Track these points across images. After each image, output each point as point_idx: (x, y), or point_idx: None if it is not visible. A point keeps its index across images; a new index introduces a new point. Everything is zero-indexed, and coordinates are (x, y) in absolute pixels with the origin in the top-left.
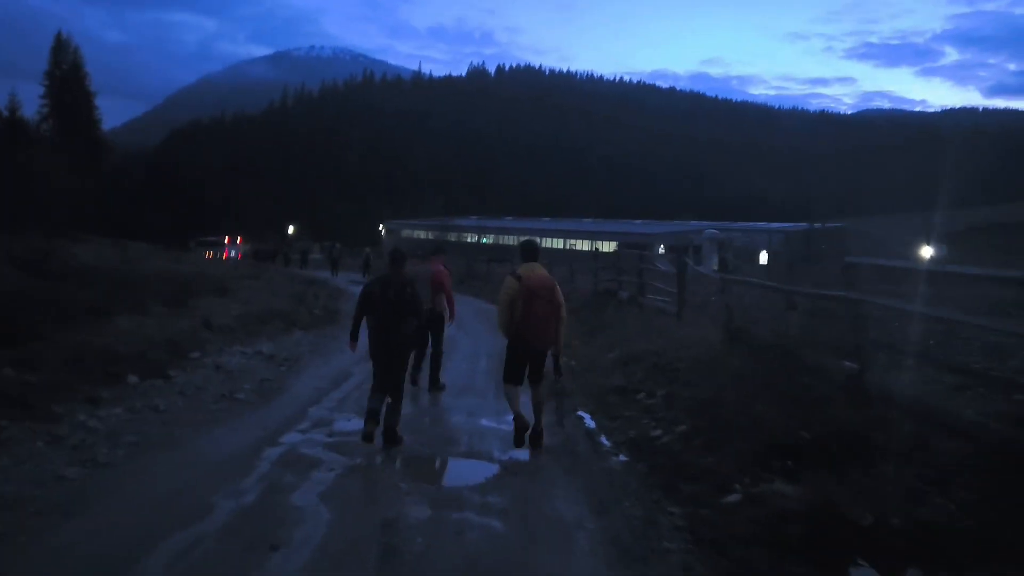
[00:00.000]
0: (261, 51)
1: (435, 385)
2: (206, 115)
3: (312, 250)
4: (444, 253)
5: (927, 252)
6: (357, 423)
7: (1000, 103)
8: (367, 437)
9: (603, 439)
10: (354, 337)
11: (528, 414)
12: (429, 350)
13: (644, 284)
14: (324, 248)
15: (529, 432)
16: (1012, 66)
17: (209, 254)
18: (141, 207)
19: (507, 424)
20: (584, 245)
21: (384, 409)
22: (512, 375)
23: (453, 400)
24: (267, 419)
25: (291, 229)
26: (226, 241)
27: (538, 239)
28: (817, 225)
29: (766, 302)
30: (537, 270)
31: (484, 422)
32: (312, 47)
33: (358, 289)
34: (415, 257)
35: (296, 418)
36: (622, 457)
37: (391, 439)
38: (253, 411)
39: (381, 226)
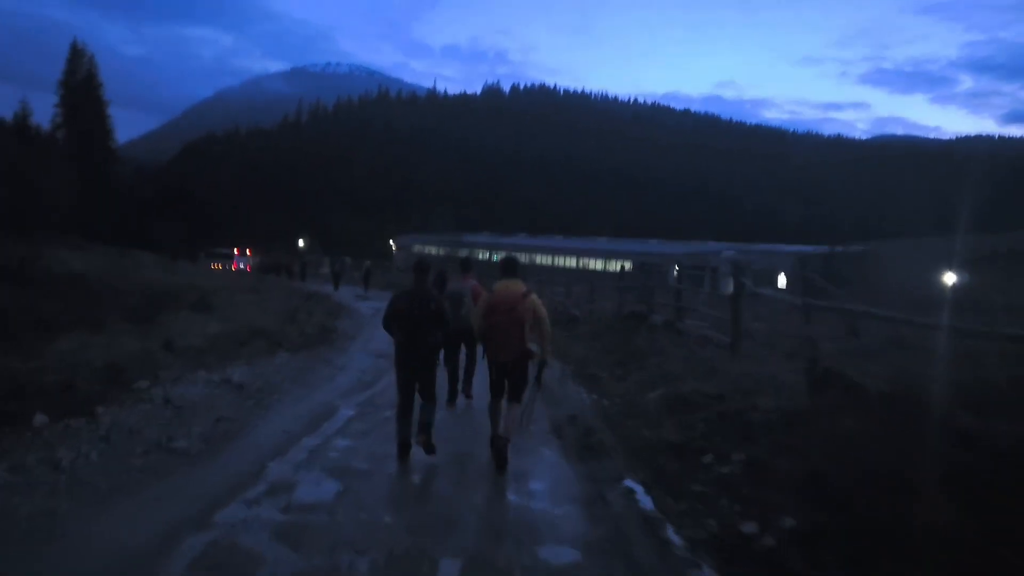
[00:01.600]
0: (277, 67)
1: (467, 393)
2: (221, 129)
3: (323, 264)
4: (473, 269)
5: (950, 278)
6: (330, 487)
7: (1016, 131)
8: (403, 450)
9: (670, 532)
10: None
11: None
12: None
13: (683, 307)
14: (334, 262)
15: (500, 443)
16: None
17: (217, 265)
18: (153, 217)
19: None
20: (598, 264)
21: (415, 424)
22: (492, 387)
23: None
24: (206, 481)
25: (302, 242)
26: (235, 253)
27: (547, 256)
28: (838, 248)
29: (818, 328)
30: (511, 286)
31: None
32: (328, 64)
33: (360, 305)
34: (450, 272)
35: (247, 480)
36: (706, 572)
37: (427, 447)
38: (191, 468)
39: (391, 241)
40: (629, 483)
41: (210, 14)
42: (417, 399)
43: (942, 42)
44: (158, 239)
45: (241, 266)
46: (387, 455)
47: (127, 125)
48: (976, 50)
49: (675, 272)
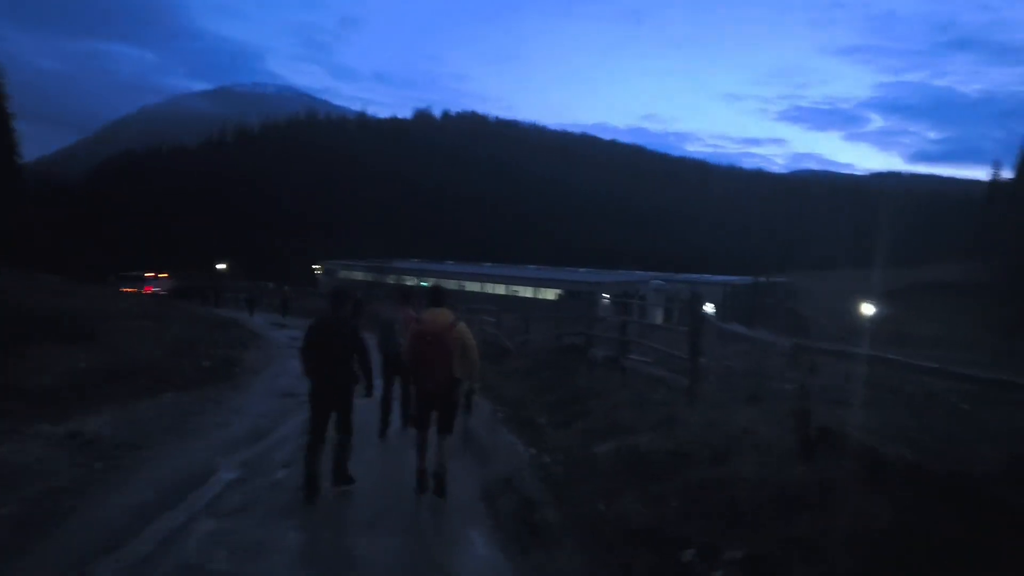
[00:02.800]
0: (202, 86)
1: (407, 422)
2: (142, 146)
3: (251, 291)
4: (413, 299)
5: (868, 309)
6: None
7: (922, 168)
8: (308, 500)
9: None
10: (311, 373)
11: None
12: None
13: (628, 341)
14: (251, 288)
15: (432, 479)
16: (932, 134)
17: (130, 289)
18: (65, 239)
19: None
20: (528, 292)
21: (331, 454)
22: (417, 418)
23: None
24: None
25: (223, 266)
26: (148, 276)
27: (476, 283)
28: (762, 279)
29: (772, 363)
30: (439, 315)
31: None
32: (255, 84)
33: (276, 334)
34: (387, 302)
35: None
36: None
37: (341, 478)
38: None
39: (316, 266)
40: None
41: (132, 30)
42: (332, 433)
43: (854, 83)
44: (73, 262)
45: (155, 290)
46: (268, 544)
47: (39, 140)
48: (886, 91)
49: (605, 301)
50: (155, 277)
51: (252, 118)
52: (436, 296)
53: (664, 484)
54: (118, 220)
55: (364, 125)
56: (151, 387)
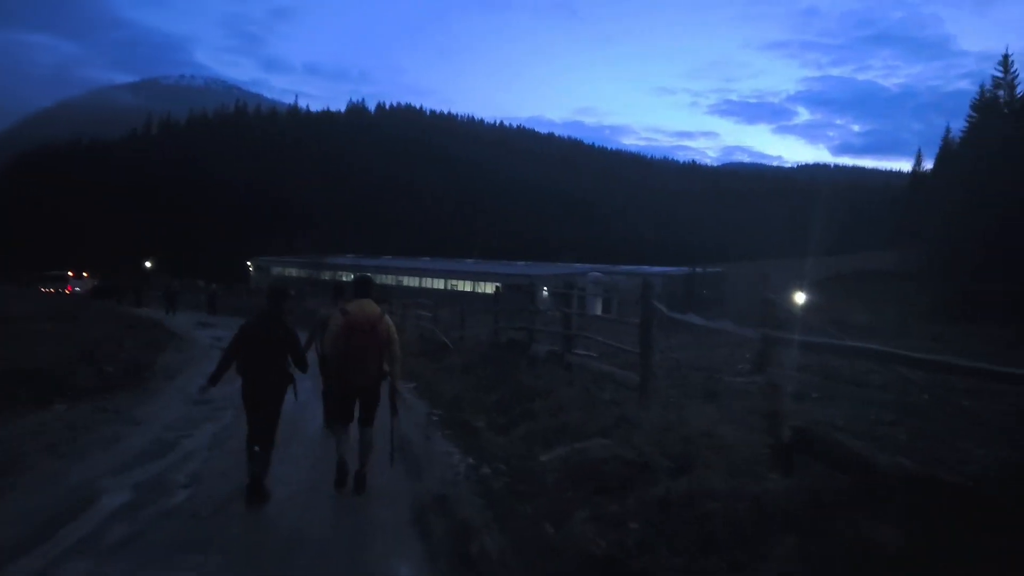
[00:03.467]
0: (126, 78)
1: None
2: (61, 141)
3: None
4: (344, 294)
5: (800, 298)
6: None
7: (847, 160)
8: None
9: None
10: (213, 381)
11: (353, 459)
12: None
13: (573, 336)
14: (169, 285)
15: (353, 475)
16: (856, 127)
17: (51, 290)
18: None
19: None
20: (467, 286)
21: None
22: (339, 411)
23: None
24: None
25: (148, 264)
26: (69, 276)
27: (414, 278)
28: (698, 269)
29: (719, 354)
30: (366, 307)
31: None
32: (182, 76)
33: (199, 333)
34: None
35: None
36: None
37: (255, 492)
38: None
39: (249, 263)
40: None
41: (49, 19)
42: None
43: (782, 77)
44: None
45: (76, 290)
46: None
47: None
48: (811, 85)
49: (544, 293)
50: (76, 277)
51: (179, 111)
52: (361, 287)
53: (622, 501)
54: (35, 219)
55: (296, 118)
56: (38, 398)
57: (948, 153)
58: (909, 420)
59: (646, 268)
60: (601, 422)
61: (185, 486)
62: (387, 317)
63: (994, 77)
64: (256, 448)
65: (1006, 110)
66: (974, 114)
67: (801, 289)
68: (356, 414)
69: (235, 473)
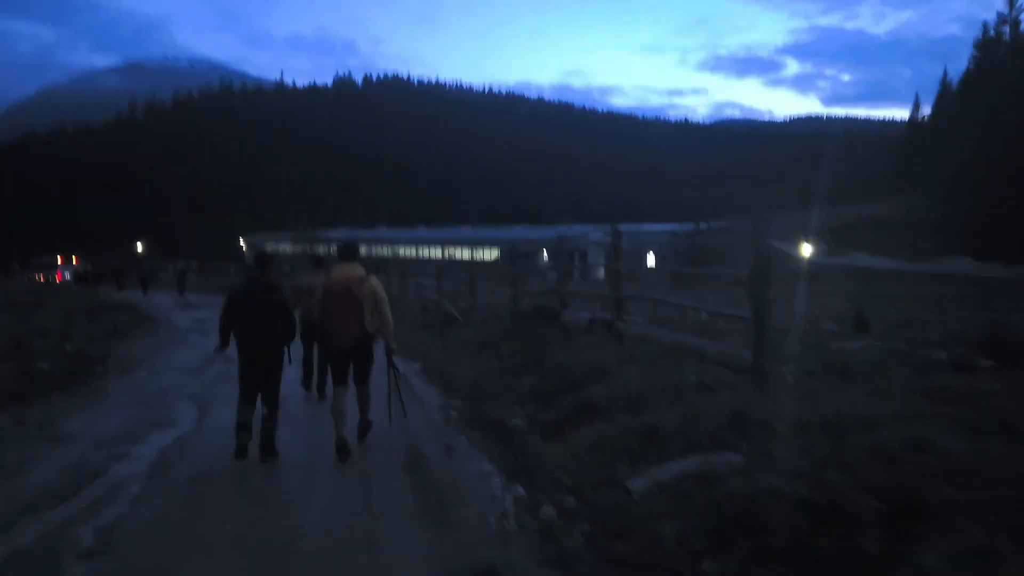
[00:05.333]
0: (108, 61)
1: (322, 392)
2: (45, 128)
3: (142, 269)
4: (325, 264)
5: (807, 248)
6: None
7: (839, 111)
8: (240, 452)
9: None
10: (224, 341)
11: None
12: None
13: (623, 298)
14: (143, 266)
15: (358, 424)
16: (846, 77)
17: (40, 276)
18: None
19: None
20: (465, 253)
21: (260, 421)
22: (333, 374)
23: None
24: None
25: (140, 247)
26: (59, 262)
27: (411, 248)
28: (703, 225)
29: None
30: (350, 270)
31: None
32: (166, 57)
33: (178, 316)
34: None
35: None
36: None
37: (268, 451)
38: None
39: (242, 240)
40: None
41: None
42: (259, 405)
43: (770, 30)
44: None
45: (66, 276)
46: None
47: None
48: (800, 36)
49: (544, 258)
50: (65, 263)
51: (164, 92)
52: (346, 251)
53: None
54: (23, 207)
55: (283, 94)
56: None
57: (947, 98)
58: None
59: (647, 226)
60: (707, 421)
61: (87, 555)
62: (372, 278)
63: (999, 13)
64: (262, 410)
65: (1012, 46)
66: (977, 53)
67: (809, 241)
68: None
69: (176, 517)
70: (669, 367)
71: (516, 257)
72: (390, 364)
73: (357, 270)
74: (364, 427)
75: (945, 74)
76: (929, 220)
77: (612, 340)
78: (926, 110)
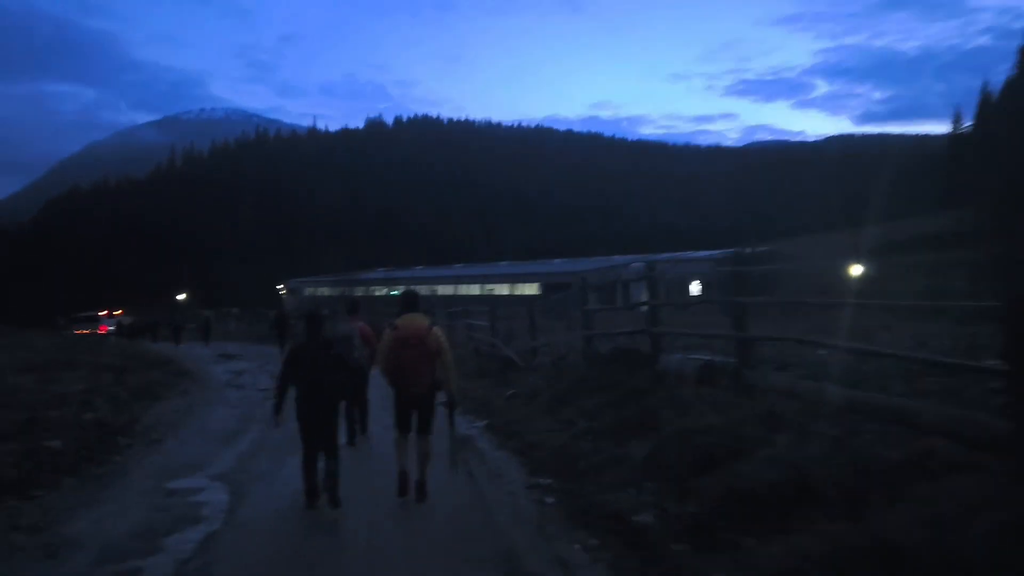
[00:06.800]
0: (148, 117)
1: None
2: (89, 184)
3: (175, 318)
4: (360, 310)
5: (856, 270)
6: None
7: (871, 129)
8: (310, 507)
9: None
10: (278, 410)
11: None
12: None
13: (751, 340)
14: (175, 317)
15: (415, 484)
16: (877, 94)
17: (84, 331)
18: (7, 284)
19: None
20: (504, 289)
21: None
22: (398, 422)
23: None
24: None
25: (182, 297)
26: (102, 315)
27: (449, 286)
28: (748, 250)
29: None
30: (416, 320)
31: None
32: (202, 110)
33: (214, 369)
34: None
35: None
36: None
37: (334, 502)
38: None
39: (280, 286)
40: None
41: (70, 69)
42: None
43: (797, 51)
44: (18, 307)
45: (111, 329)
46: None
47: None
48: (827, 56)
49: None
50: (109, 315)
51: (201, 143)
52: (408, 301)
53: None
54: (67, 260)
55: (316, 139)
56: None
57: (989, 107)
58: None
59: (690, 254)
60: (963, 534)
61: None
62: (436, 328)
63: None
64: (326, 459)
65: None
66: (1021, 58)
67: (857, 261)
68: (414, 425)
69: None
70: (844, 436)
71: (585, 291)
72: (451, 421)
73: (422, 320)
74: (422, 487)
75: (985, 84)
76: (979, 233)
77: (739, 392)
78: (967, 121)
